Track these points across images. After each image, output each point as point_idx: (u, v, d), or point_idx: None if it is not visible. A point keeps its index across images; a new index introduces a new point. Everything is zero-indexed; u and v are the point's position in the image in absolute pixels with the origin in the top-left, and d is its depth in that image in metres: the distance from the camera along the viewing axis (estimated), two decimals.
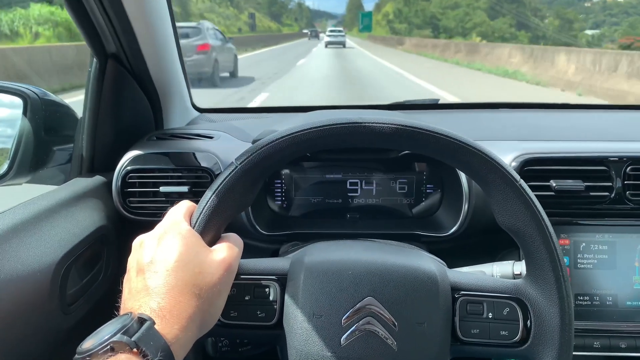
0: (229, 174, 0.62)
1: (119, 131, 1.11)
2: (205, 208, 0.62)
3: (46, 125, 1.08)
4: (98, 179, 1.06)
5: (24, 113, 1.05)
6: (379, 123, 0.62)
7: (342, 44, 38.88)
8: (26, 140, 1.05)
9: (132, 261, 0.60)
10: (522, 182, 0.62)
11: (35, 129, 1.06)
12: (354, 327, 0.62)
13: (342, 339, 0.62)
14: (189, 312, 0.55)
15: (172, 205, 0.99)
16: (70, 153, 1.12)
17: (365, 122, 0.62)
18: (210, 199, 0.62)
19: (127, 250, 1.03)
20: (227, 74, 12.65)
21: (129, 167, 1.03)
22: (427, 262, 0.68)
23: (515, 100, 1.52)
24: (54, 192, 0.95)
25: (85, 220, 0.93)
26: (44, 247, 0.80)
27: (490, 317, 0.65)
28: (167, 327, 0.53)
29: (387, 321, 0.63)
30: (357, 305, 0.63)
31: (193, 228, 0.61)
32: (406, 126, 0.62)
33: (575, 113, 1.48)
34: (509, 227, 0.64)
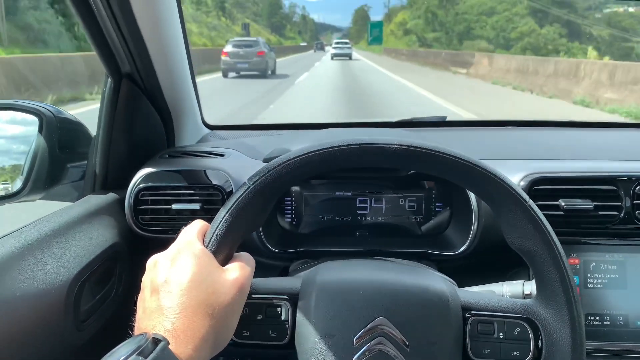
0: (242, 194, 0.63)
1: (131, 149, 1.12)
2: (218, 228, 0.63)
3: (61, 142, 1.10)
4: (111, 196, 1.07)
5: (40, 131, 1.06)
6: (391, 144, 0.63)
7: (349, 56, 38.47)
8: (41, 158, 1.07)
9: (146, 281, 0.61)
10: (531, 202, 0.62)
11: (50, 146, 1.08)
12: (365, 347, 0.63)
13: (353, 359, 0.63)
14: (202, 332, 0.56)
15: (184, 223, 1.00)
16: (84, 170, 1.14)
17: (378, 144, 0.63)
18: (223, 219, 0.63)
19: (139, 267, 1.04)
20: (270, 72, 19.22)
21: (141, 185, 1.04)
22: (438, 282, 0.69)
23: (525, 119, 1.52)
24: (68, 209, 0.96)
25: (99, 237, 0.95)
26: (58, 264, 0.82)
27: (501, 337, 0.66)
28: (181, 347, 0.53)
29: (399, 341, 0.63)
30: (369, 326, 0.63)
31: (206, 248, 0.62)
32: (417, 147, 0.62)
33: (584, 131, 1.48)
34: (518, 248, 0.65)
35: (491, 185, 0.62)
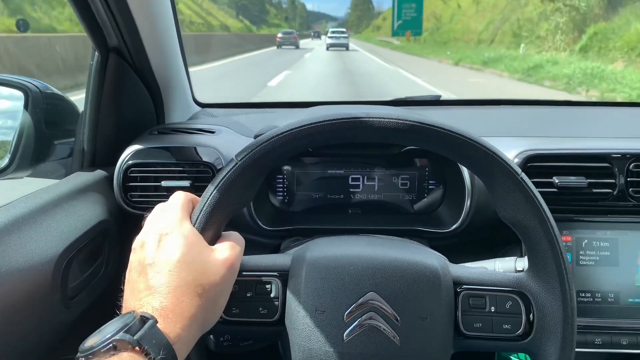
0: (229, 170, 0.62)
1: (120, 125, 1.10)
2: (206, 206, 0.62)
3: (47, 118, 1.08)
4: (99, 173, 1.05)
5: (25, 106, 1.04)
6: (380, 118, 0.62)
7: (345, 46, 35.70)
8: (27, 134, 1.05)
9: (133, 262, 0.60)
10: (523, 175, 0.62)
11: (37, 122, 1.06)
12: (356, 322, 0.62)
13: (344, 335, 0.62)
14: (191, 311, 0.55)
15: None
16: (72, 147, 1.12)
17: (366, 117, 0.62)
18: (210, 196, 0.62)
19: (128, 245, 1.03)
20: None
21: (130, 162, 1.03)
22: (429, 257, 0.68)
23: (520, 98, 1.52)
24: (55, 186, 0.94)
25: (87, 215, 0.93)
26: (45, 240, 0.80)
27: (492, 310, 0.65)
28: (170, 326, 0.53)
29: (390, 316, 0.62)
30: (360, 301, 0.63)
31: (194, 226, 0.61)
32: (407, 121, 0.61)
33: (578, 109, 1.47)
34: (511, 221, 0.64)
35: (484, 158, 0.62)
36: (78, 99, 1.17)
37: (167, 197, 1.00)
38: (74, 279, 0.85)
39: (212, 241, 0.62)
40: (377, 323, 0.62)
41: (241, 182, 0.62)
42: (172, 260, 0.56)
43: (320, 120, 0.62)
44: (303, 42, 44.17)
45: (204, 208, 0.62)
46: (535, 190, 0.62)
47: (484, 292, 0.66)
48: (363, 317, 0.62)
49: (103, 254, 0.97)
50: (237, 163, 0.62)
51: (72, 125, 1.13)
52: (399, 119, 0.61)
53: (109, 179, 1.04)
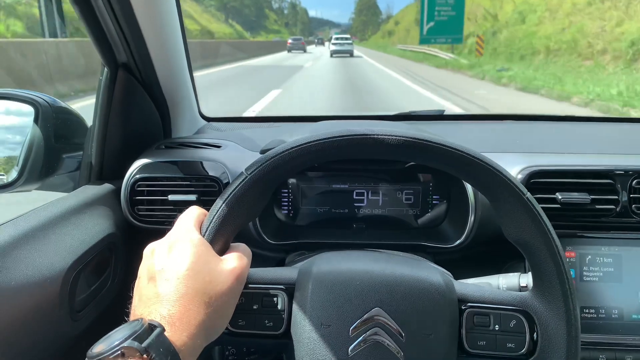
0: (239, 184, 0.63)
1: (128, 139, 1.12)
2: (215, 217, 0.63)
3: (56, 133, 1.10)
4: (107, 186, 1.07)
5: (35, 121, 1.06)
6: (388, 135, 0.63)
7: (350, 53, 35.44)
8: (36, 148, 1.06)
9: (143, 269, 0.61)
10: (529, 195, 0.62)
11: (46, 136, 1.07)
12: (361, 337, 0.63)
13: (349, 349, 0.63)
14: (198, 320, 0.56)
15: (180, 214, 1.00)
16: (80, 161, 1.13)
17: (374, 135, 0.63)
18: (220, 208, 0.63)
19: (135, 258, 1.04)
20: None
21: (137, 175, 1.04)
22: (435, 274, 0.69)
23: (522, 112, 1.52)
24: (63, 199, 0.95)
25: (94, 228, 0.94)
26: (53, 254, 0.81)
27: (497, 329, 0.66)
28: (177, 334, 0.54)
29: (394, 332, 0.63)
30: (365, 316, 0.63)
31: (203, 237, 0.62)
32: (414, 139, 0.62)
33: (581, 125, 1.48)
34: (516, 240, 0.65)
35: (489, 177, 0.62)
36: None
37: (174, 210, 1.03)
38: (81, 292, 0.86)
39: (221, 252, 0.64)
40: (382, 338, 0.63)
41: (250, 196, 0.64)
42: (181, 268, 0.58)
43: (330, 136, 0.63)
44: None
45: (214, 219, 0.63)
46: (541, 211, 0.62)
47: (489, 311, 0.66)
48: (368, 332, 0.63)
49: (110, 267, 0.97)
50: (246, 177, 0.63)
51: (80, 139, 1.14)
52: (406, 136, 0.62)
53: (117, 192, 1.05)
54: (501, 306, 0.66)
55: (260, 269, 0.70)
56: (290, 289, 0.68)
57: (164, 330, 0.52)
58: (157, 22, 1.03)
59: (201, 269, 0.58)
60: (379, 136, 0.63)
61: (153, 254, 0.61)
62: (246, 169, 0.64)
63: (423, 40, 24.23)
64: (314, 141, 0.63)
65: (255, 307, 0.67)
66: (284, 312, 0.67)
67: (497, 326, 0.66)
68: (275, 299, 0.67)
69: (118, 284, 0.98)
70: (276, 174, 0.64)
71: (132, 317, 0.57)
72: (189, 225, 0.63)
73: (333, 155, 0.64)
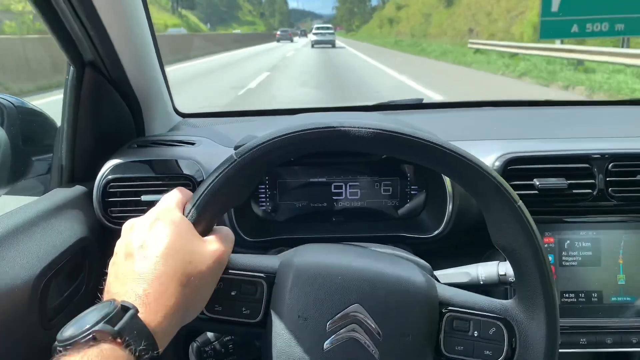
0: (227, 167, 0.62)
1: (99, 140, 1.09)
2: (201, 198, 0.61)
3: (24, 135, 1.07)
4: (78, 189, 1.04)
5: (0, 123, 1.03)
6: (361, 127, 0.61)
7: (331, 43, 35.07)
8: (3, 151, 1.03)
9: (120, 245, 0.59)
10: (521, 203, 0.61)
11: (12, 139, 1.04)
12: (338, 333, 0.62)
13: (325, 344, 0.62)
14: (174, 301, 0.54)
15: None
16: (50, 163, 1.11)
17: (343, 127, 0.61)
18: (206, 189, 0.62)
19: (109, 262, 1.01)
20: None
21: (109, 176, 1.01)
22: (418, 274, 0.68)
23: (499, 99, 1.52)
24: (33, 203, 0.93)
25: (66, 232, 0.92)
26: (22, 261, 0.79)
27: (475, 335, 0.65)
28: (151, 315, 0.52)
29: (372, 330, 0.62)
30: (343, 312, 0.62)
31: (186, 217, 0.61)
32: (390, 132, 0.60)
33: (558, 110, 1.48)
34: (503, 247, 0.63)
35: (480, 181, 0.60)
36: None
37: (147, 211, 1.00)
38: (53, 299, 0.84)
39: (204, 234, 0.62)
40: (359, 335, 0.62)
41: (237, 180, 0.62)
42: (160, 245, 0.56)
43: (297, 130, 0.61)
44: (271, 46, 39.02)
45: (198, 200, 0.62)
46: (532, 220, 0.61)
47: (469, 317, 0.65)
48: (345, 328, 0.62)
49: (84, 272, 0.95)
50: (235, 160, 0.62)
51: (49, 141, 1.11)
52: (382, 130, 0.60)
53: (89, 194, 1.03)
54: (482, 313, 0.65)
55: (242, 255, 0.68)
56: (270, 278, 0.66)
57: (137, 312, 0.51)
58: (122, 17, 1.00)
59: (181, 248, 0.57)
60: (348, 128, 0.61)
61: (132, 229, 0.60)
62: (236, 153, 0.62)
63: (545, 33, 12.04)
64: (305, 130, 0.61)
65: (233, 293, 0.66)
66: (262, 301, 0.66)
67: (476, 332, 0.65)
68: (254, 286, 0.66)
69: (92, 289, 0.96)
70: (264, 161, 0.63)
71: (106, 296, 0.56)
72: (172, 204, 0.62)
73: (305, 148, 0.63)
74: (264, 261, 0.69)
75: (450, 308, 0.66)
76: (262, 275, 0.66)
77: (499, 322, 0.64)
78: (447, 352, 0.65)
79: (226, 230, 0.65)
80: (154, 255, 0.55)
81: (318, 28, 39.54)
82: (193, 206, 0.61)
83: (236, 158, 0.62)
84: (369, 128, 0.61)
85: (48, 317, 0.82)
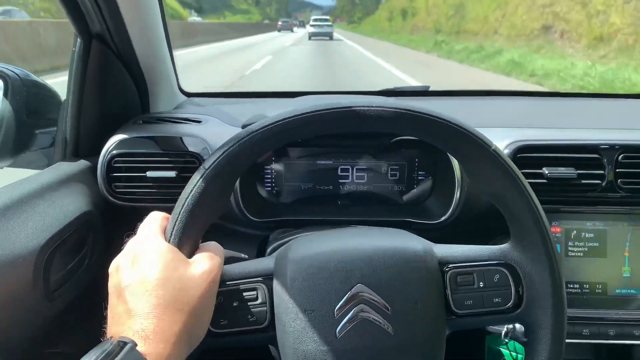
0: (198, 179, 0.59)
1: (104, 114, 1.08)
2: (178, 220, 0.59)
3: (28, 107, 1.05)
4: (83, 163, 1.03)
5: (5, 94, 1.01)
6: (376, 107, 0.60)
7: (329, 36, 34.35)
8: (7, 123, 1.02)
9: (111, 287, 0.58)
10: (495, 146, 0.61)
11: (17, 111, 1.02)
12: (347, 317, 0.61)
13: (337, 331, 0.61)
14: (174, 330, 0.53)
15: (160, 191, 0.96)
16: (54, 136, 1.09)
17: (357, 106, 0.60)
18: (181, 210, 0.59)
19: (113, 236, 1.01)
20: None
21: (114, 151, 1.00)
22: (412, 241, 0.67)
23: (507, 89, 1.51)
24: (37, 176, 0.92)
25: (70, 206, 0.91)
26: (26, 232, 0.78)
27: (481, 286, 0.65)
28: (152, 347, 0.51)
29: (380, 306, 0.61)
30: (348, 295, 0.62)
31: (169, 242, 0.59)
32: (388, 108, 0.60)
33: (568, 101, 1.47)
34: (489, 194, 0.64)
35: (453, 135, 0.61)
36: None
37: (152, 187, 1.00)
38: (57, 271, 0.83)
39: (190, 254, 0.60)
40: (369, 315, 0.61)
41: (212, 191, 0.60)
42: (148, 279, 0.55)
43: (308, 111, 0.60)
44: (264, 37, 36.87)
45: (177, 222, 0.59)
46: (510, 161, 0.62)
47: (471, 269, 0.65)
48: (353, 310, 0.61)
49: (87, 246, 0.94)
50: (206, 171, 0.59)
51: (54, 114, 1.09)
52: (383, 107, 0.60)
53: (93, 169, 1.01)
54: (483, 262, 0.65)
55: (234, 265, 0.67)
56: (268, 280, 0.65)
57: (135, 345, 0.50)
58: None
59: (170, 277, 0.55)
60: (363, 108, 0.60)
61: (118, 270, 0.58)
62: (204, 163, 0.60)
63: None
64: (284, 119, 0.60)
65: (235, 304, 0.64)
66: (266, 304, 0.64)
67: (481, 283, 0.65)
68: (254, 292, 0.64)
69: (96, 262, 0.95)
70: (237, 163, 0.61)
71: (105, 338, 0.55)
72: (152, 232, 0.59)
73: (314, 130, 0.62)
74: (259, 264, 0.67)
75: (450, 265, 0.65)
76: (259, 279, 0.65)
77: (501, 268, 0.65)
78: (457, 309, 0.64)
79: (213, 245, 0.63)
80: (144, 290, 0.54)
81: (316, 20, 38.64)
82: (173, 229, 0.59)
83: (206, 168, 0.59)
84: (342, 107, 0.60)
85: (51, 288, 0.81)
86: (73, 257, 0.90)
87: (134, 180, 1.00)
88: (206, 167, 0.60)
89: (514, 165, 0.62)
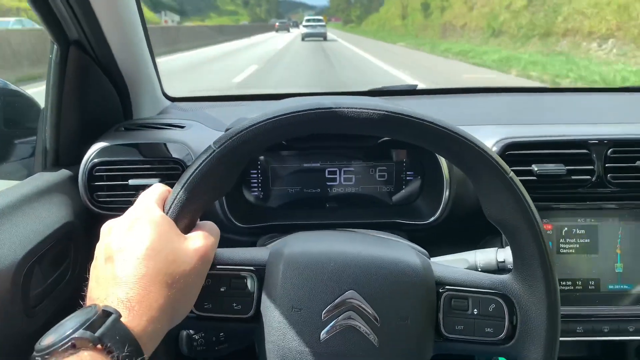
0: (206, 158, 0.59)
1: (84, 122, 1.05)
2: (180, 193, 0.59)
3: (6, 117, 1.03)
4: (63, 172, 1.00)
5: None
6: (360, 109, 0.59)
7: (323, 36, 33.47)
8: None
9: (99, 248, 0.57)
10: (512, 174, 0.59)
11: None
12: (334, 321, 0.60)
13: (321, 334, 0.60)
14: (159, 303, 0.52)
15: None
16: (34, 146, 1.07)
17: (341, 108, 0.59)
18: (186, 183, 0.59)
19: (95, 247, 0.98)
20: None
21: (95, 160, 0.98)
22: (412, 256, 0.66)
23: (495, 85, 1.50)
24: (16, 187, 0.89)
25: (50, 217, 0.88)
26: (3, 245, 0.76)
27: (475, 313, 0.63)
28: (136, 319, 0.50)
29: (369, 316, 0.60)
30: (338, 299, 0.60)
31: (167, 214, 0.58)
32: (388, 112, 0.59)
33: (556, 96, 1.47)
34: (497, 221, 0.62)
35: (470, 154, 0.59)
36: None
37: (135, 196, 0.96)
38: (36, 285, 0.81)
39: (186, 230, 0.60)
40: (356, 323, 0.60)
41: (218, 171, 0.60)
42: (141, 246, 0.54)
43: (299, 109, 0.59)
44: (255, 39, 34.08)
45: (178, 196, 0.59)
46: (525, 191, 0.59)
47: (467, 294, 0.63)
48: (341, 316, 0.60)
49: (69, 258, 0.92)
50: (214, 150, 0.59)
51: (33, 123, 1.07)
52: (380, 110, 0.59)
53: (74, 178, 0.99)
54: (480, 289, 0.63)
55: (228, 249, 0.66)
56: (260, 271, 0.64)
57: (119, 316, 0.48)
58: None
59: (163, 248, 0.54)
60: (351, 109, 0.59)
61: (110, 232, 0.57)
62: (214, 142, 0.59)
63: None
64: (284, 115, 0.59)
65: (222, 289, 0.63)
66: (254, 294, 0.63)
67: (475, 310, 0.63)
68: (244, 280, 0.64)
69: (78, 275, 0.93)
70: (246, 149, 0.60)
71: (87, 301, 0.53)
72: (151, 202, 0.59)
73: (304, 129, 0.60)
74: (253, 254, 0.66)
75: (447, 287, 0.64)
76: (251, 268, 0.64)
77: (498, 298, 0.63)
78: (447, 333, 0.63)
79: (210, 224, 0.63)
80: (135, 257, 0.53)
81: (308, 20, 37.64)
82: (172, 202, 0.59)
83: (215, 148, 0.59)
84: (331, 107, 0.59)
85: (31, 304, 0.79)
86: (54, 270, 0.87)
87: (116, 189, 0.98)
88: (216, 146, 0.59)
89: (529, 197, 0.60)
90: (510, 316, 0.62)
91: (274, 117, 0.59)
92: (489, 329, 0.62)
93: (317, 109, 0.59)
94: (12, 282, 0.74)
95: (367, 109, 0.59)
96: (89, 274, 0.58)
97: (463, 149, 0.59)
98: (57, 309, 0.86)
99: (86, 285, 0.57)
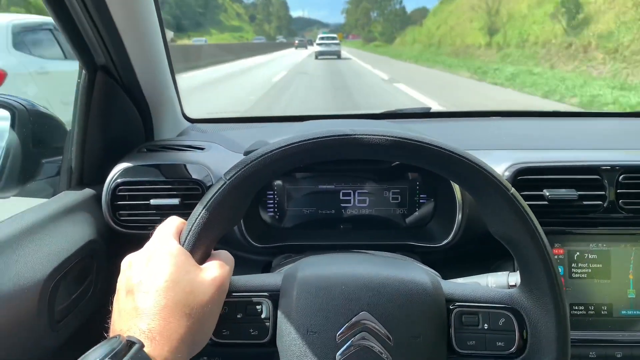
0: (218, 189, 0.62)
1: (108, 143, 1.09)
2: (195, 225, 0.61)
3: (34, 137, 1.07)
4: (87, 192, 1.04)
5: (12, 125, 1.03)
6: (370, 135, 0.62)
7: (337, 54, 31.99)
8: (14, 153, 1.03)
9: (121, 282, 0.59)
10: (514, 190, 0.62)
11: (23, 141, 1.04)
12: (348, 342, 0.61)
13: (337, 355, 0.61)
14: (179, 333, 0.54)
15: (163, 218, 0.97)
16: (59, 166, 1.10)
17: (355, 135, 0.62)
18: (199, 216, 0.61)
19: (117, 265, 1.01)
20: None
21: (119, 180, 1.02)
22: (421, 274, 0.68)
23: (507, 109, 1.52)
24: (42, 205, 0.93)
25: (75, 235, 0.92)
26: (32, 262, 0.79)
27: (486, 327, 0.65)
28: (157, 349, 0.52)
29: (382, 336, 0.62)
30: (352, 321, 0.62)
31: (182, 246, 0.60)
32: (396, 137, 0.61)
33: (567, 121, 1.48)
34: (501, 236, 0.64)
35: (473, 174, 0.61)
36: None
37: (156, 215, 1.01)
38: (61, 301, 0.84)
39: (201, 261, 0.62)
40: (370, 343, 0.61)
41: (230, 202, 0.62)
42: (159, 279, 0.56)
43: (310, 137, 0.62)
44: (266, 58, 31.17)
45: (193, 228, 0.61)
46: (526, 206, 0.62)
47: (477, 309, 0.65)
48: (355, 337, 0.62)
49: (92, 275, 0.95)
50: (225, 182, 0.62)
51: (59, 144, 1.11)
52: (388, 136, 0.61)
53: (97, 197, 1.03)
54: (489, 304, 0.65)
55: (242, 277, 0.68)
56: (274, 296, 0.66)
57: (142, 346, 0.51)
58: (136, 22, 1.01)
59: (181, 280, 0.57)
60: (360, 136, 0.62)
61: (130, 266, 0.59)
62: (225, 174, 0.62)
63: None
64: (294, 143, 0.62)
65: (239, 316, 0.65)
66: (269, 320, 0.65)
67: (486, 325, 0.65)
68: (259, 306, 0.66)
69: (100, 291, 0.96)
70: (257, 178, 0.63)
71: (111, 333, 0.56)
72: (167, 235, 0.62)
73: (315, 156, 0.63)
74: (266, 279, 0.68)
75: (457, 303, 0.66)
76: (265, 294, 0.66)
77: (507, 312, 0.65)
78: (459, 349, 0.64)
79: (225, 254, 0.65)
80: (154, 290, 0.55)
81: (322, 38, 35.76)
82: (188, 235, 0.61)
83: (225, 180, 0.62)
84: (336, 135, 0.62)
85: (56, 319, 0.82)
86: (78, 286, 0.90)
87: (138, 209, 1.01)
88: (227, 178, 0.62)
89: (530, 212, 0.62)
90: (520, 329, 0.64)
91: (283, 147, 0.62)
92: (500, 343, 0.64)
93: (323, 137, 0.62)
94: (40, 297, 0.77)
95: (371, 134, 0.62)
96: (111, 291, 0.60)
97: (465, 169, 0.62)
98: (80, 324, 0.89)
99: (108, 301, 0.60)
